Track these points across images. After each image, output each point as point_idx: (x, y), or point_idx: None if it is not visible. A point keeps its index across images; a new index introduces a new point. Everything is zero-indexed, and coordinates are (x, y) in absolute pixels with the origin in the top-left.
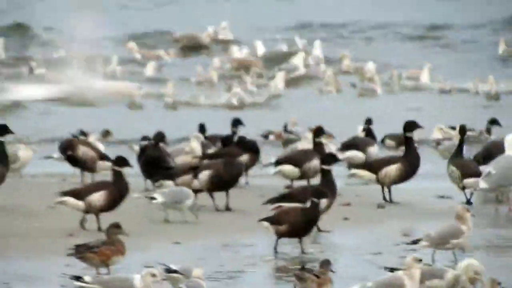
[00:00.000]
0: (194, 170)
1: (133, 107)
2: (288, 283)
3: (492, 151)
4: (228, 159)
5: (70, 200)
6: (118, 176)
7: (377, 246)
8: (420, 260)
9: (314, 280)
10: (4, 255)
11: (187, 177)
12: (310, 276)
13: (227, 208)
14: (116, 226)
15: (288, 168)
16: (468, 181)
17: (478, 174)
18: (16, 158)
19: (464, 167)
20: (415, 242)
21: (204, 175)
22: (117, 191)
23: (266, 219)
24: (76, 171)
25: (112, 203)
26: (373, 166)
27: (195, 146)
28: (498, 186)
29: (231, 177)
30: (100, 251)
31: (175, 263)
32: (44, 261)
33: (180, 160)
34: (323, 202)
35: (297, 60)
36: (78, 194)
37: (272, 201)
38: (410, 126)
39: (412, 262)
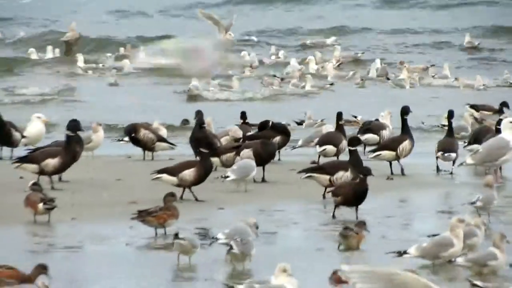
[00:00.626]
0: (237, 149)
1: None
2: (311, 240)
3: (480, 134)
4: (264, 140)
5: (165, 176)
6: (205, 156)
7: (390, 210)
8: (463, 221)
9: (355, 236)
10: (79, 219)
11: (231, 155)
12: (352, 234)
13: (263, 180)
14: (171, 195)
15: (330, 148)
16: (440, 154)
17: (451, 150)
18: (90, 141)
19: (441, 144)
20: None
21: (245, 153)
22: (204, 169)
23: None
24: (139, 151)
25: (199, 179)
26: (390, 145)
27: (236, 129)
28: (483, 162)
29: (267, 155)
30: (158, 215)
31: (219, 225)
32: (111, 224)
33: (224, 140)
34: (346, 175)
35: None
36: (172, 171)
37: (305, 171)
38: (405, 110)
39: (456, 223)
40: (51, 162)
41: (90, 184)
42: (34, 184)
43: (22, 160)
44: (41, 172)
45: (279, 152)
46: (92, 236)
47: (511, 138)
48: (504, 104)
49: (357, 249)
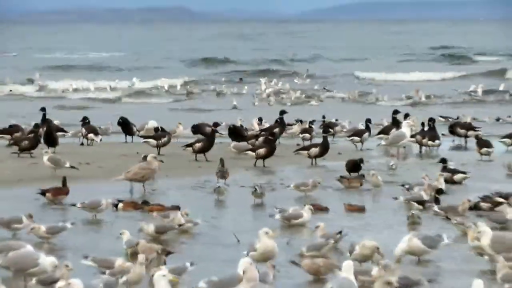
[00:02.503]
0: (257, 136)
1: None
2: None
3: (388, 128)
4: (270, 132)
5: (250, 152)
6: (271, 140)
7: None
8: None
9: (345, 181)
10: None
11: (253, 140)
12: (344, 180)
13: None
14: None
15: (355, 138)
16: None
17: (422, 138)
18: (174, 132)
19: (419, 133)
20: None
21: (260, 139)
22: (271, 148)
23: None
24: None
25: (269, 154)
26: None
27: (256, 125)
28: (390, 144)
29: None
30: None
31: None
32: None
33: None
34: (316, 150)
35: None
36: (252, 149)
37: (298, 150)
38: (396, 111)
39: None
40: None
41: (168, 160)
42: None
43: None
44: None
45: (278, 138)
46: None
47: (407, 131)
48: (395, 112)
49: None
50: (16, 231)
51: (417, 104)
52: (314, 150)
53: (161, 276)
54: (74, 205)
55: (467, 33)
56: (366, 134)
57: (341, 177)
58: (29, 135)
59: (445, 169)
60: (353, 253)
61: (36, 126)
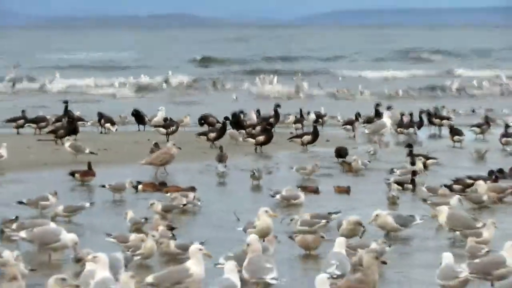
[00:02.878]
0: (255, 126)
1: None
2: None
3: (371, 118)
4: (268, 122)
5: (250, 139)
6: (269, 129)
7: None
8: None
9: (346, 165)
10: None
11: (250, 129)
12: (345, 164)
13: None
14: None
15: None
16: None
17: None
18: (182, 121)
19: (397, 124)
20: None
21: (258, 128)
22: (268, 136)
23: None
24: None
25: (267, 141)
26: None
27: (254, 116)
28: (373, 132)
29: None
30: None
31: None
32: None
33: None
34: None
35: None
36: (298, 136)
37: (292, 137)
38: (378, 104)
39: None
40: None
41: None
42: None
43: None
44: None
45: (273, 127)
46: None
47: (387, 121)
48: (377, 105)
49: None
50: (44, 209)
51: (397, 98)
52: (307, 138)
53: (198, 249)
54: (103, 186)
55: (434, 36)
56: (357, 123)
57: (343, 161)
58: (66, 125)
59: (411, 153)
60: (340, 228)
61: (138, 117)
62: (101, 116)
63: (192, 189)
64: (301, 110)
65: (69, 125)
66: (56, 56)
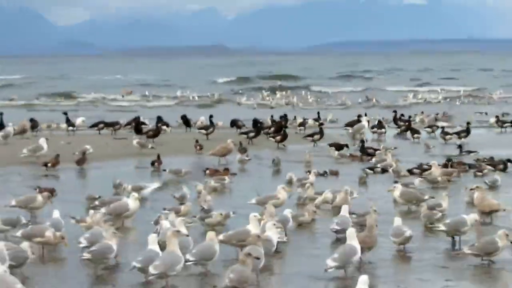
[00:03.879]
0: (269, 127)
1: None
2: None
3: (352, 122)
4: (281, 124)
5: (271, 138)
6: (321, 129)
7: None
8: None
9: (350, 156)
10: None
11: (267, 130)
12: (350, 155)
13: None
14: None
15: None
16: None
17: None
18: (217, 125)
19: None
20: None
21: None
22: (321, 134)
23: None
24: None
25: (283, 139)
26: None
27: (269, 120)
28: (355, 132)
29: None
30: None
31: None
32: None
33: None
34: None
35: None
36: (310, 135)
37: (305, 136)
38: (360, 115)
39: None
40: None
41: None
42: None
43: None
44: None
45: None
46: None
47: (366, 123)
48: (359, 116)
49: None
50: (117, 188)
51: (372, 107)
52: (317, 136)
53: (253, 216)
54: (164, 170)
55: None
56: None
57: (350, 155)
58: (154, 128)
59: (363, 147)
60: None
61: (159, 120)
62: (158, 119)
63: (234, 174)
64: (294, 116)
65: (157, 129)
66: (121, 77)
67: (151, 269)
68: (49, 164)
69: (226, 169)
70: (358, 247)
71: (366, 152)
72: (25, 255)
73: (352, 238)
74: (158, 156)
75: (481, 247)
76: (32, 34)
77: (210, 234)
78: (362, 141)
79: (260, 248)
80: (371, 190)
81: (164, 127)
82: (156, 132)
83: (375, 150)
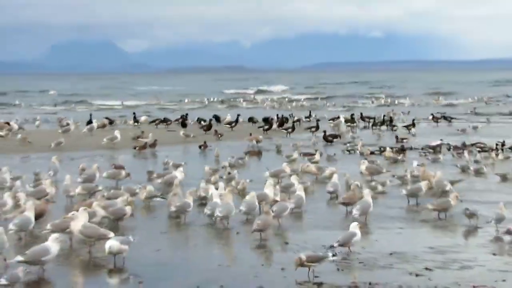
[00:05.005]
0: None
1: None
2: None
3: (335, 119)
4: (282, 121)
5: (313, 128)
6: (317, 123)
7: None
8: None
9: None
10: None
11: (275, 126)
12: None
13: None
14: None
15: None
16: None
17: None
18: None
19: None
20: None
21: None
22: (317, 127)
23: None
24: None
25: (316, 130)
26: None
27: (275, 118)
28: (334, 125)
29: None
30: None
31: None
32: None
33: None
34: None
35: None
36: (309, 128)
37: (306, 128)
38: (339, 116)
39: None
40: None
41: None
42: None
43: None
44: None
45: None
46: None
47: (342, 120)
48: (338, 116)
49: None
50: (165, 165)
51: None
52: (313, 129)
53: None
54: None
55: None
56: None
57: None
58: (207, 124)
59: (325, 135)
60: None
61: (217, 119)
62: (214, 117)
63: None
64: (290, 115)
65: (209, 124)
66: (168, 88)
67: (217, 213)
68: (137, 148)
69: (260, 152)
70: (359, 233)
71: (327, 138)
72: (123, 212)
73: (354, 228)
74: (205, 142)
75: (439, 204)
76: (108, 58)
77: (228, 195)
78: (324, 131)
79: (286, 203)
80: (345, 166)
81: (202, 123)
82: (209, 126)
83: (334, 137)
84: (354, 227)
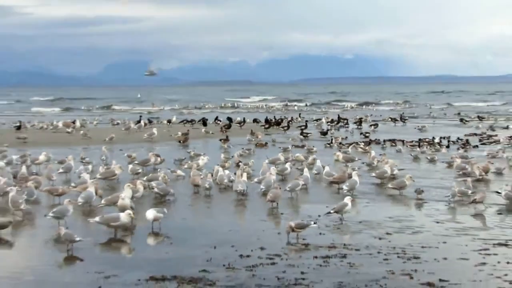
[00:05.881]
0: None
1: None
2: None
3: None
4: (278, 121)
5: (302, 127)
6: (306, 123)
7: None
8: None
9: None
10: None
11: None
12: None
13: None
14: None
15: None
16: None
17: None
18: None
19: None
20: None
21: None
22: (306, 126)
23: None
24: None
25: (305, 128)
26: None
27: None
28: (317, 125)
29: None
30: None
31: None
32: None
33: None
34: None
35: None
36: (300, 127)
37: (297, 126)
38: (319, 118)
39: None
40: None
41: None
42: None
43: None
44: None
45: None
46: None
47: (324, 120)
48: (319, 119)
49: None
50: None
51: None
52: (302, 127)
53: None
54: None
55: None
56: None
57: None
58: (227, 123)
59: (302, 131)
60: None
61: (230, 120)
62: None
63: (266, 144)
64: (284, 116)
65: (229, 124)
66: (188, 97)
67: (262, 186)
68: (181, 141)
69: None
70: (350, 204)
71: (303, 134)
72: (168, 190)
73: (347, 199)
74: (227, 137)
75: (397, 184)
76: (141, 74)
77: (238, 174)
78: (301, 129)
79: (298, 180)
80: (324, 157)
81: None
82: (228, 125)
83: (308, 133)
84: (347, 199)
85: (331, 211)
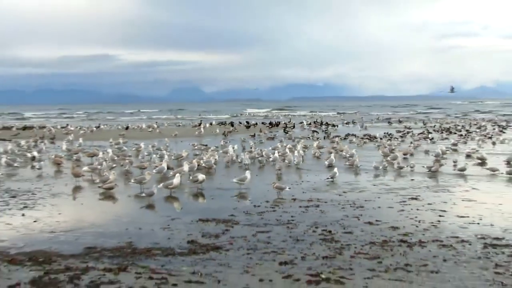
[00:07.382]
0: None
1: None
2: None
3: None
4: (277, 123)
5: (282, 129)
6: (293, 125)
7: None
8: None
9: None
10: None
11: (275, 127)
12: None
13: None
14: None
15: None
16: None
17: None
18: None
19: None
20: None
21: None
22: (293, 127)
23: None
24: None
25: (292, 128)
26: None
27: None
28: (302, 126)
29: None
30: None
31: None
32: None
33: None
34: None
35: None
36: (283, 128)
37: (289, 127)
38: (302, 122)
39: None
40: None
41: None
42: None
43: None
44: None
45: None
46: None
47: (305, 122)
48: (304, 123)
49: None
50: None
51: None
52: (291, 127)
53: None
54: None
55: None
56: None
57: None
58: (248, 125)
59: (285, 129)
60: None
61: (247, 122)
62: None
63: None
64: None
65: (231, 124)
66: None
67: (295, 160)
68: (226, 134)
69: (273, 137)
70: (337, 173)
71: (285, 130)
72: (211, 164)
73: (336, 170)
74: (230, 130)
75: (349, 162)
76: (196, 95)
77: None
78: (285, 127)
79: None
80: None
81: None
82: (248, 126)
83: (289, 131)
84: (336, 170)
85: (328, 177)
